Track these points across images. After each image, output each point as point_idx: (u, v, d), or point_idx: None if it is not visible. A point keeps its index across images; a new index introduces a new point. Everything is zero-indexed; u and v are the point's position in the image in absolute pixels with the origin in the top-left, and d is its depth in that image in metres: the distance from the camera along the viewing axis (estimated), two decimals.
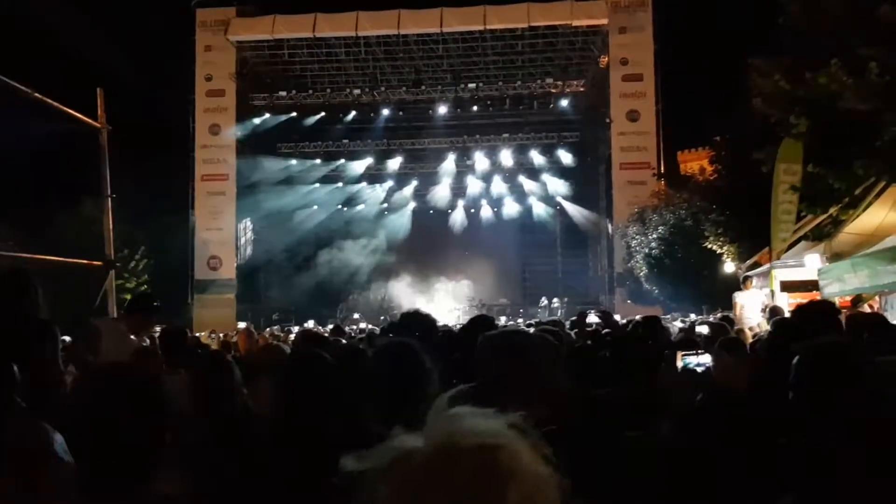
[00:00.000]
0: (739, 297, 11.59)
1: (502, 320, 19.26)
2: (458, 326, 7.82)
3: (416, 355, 2.57)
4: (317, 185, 34.95)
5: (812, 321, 3.40)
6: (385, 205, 37.21)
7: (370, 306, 32.26)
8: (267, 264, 32.54)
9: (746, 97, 14.31)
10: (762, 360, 4.03)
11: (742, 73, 14.45)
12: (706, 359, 3.93)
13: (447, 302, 31.47)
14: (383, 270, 33.76)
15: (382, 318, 25.67)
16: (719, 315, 11.81)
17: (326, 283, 32.85)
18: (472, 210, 37.28)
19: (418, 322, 3.88)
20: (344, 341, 6.28)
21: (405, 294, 31.37)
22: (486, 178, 35.27)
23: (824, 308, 3.79)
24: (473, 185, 35.69)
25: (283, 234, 32.92)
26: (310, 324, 21.68)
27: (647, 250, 23.74)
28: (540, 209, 36.04)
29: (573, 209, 34.49)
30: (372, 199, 36.35)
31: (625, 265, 26.64)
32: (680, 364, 3.86)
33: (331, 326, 13.24)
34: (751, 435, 2.74)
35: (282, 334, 15.38)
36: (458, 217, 37.23)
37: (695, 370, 3.81)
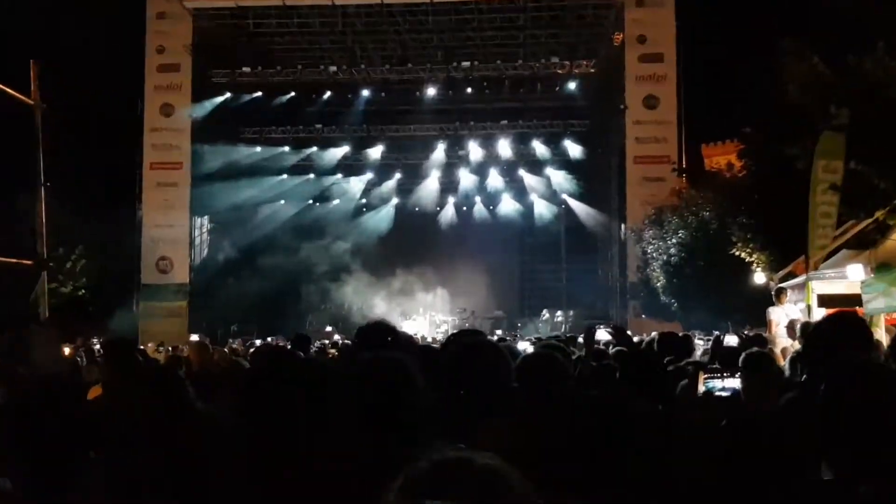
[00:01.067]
0: (773, 313, 11.54)
1: (497, 335, 19.20)
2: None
3: (406, 373, 2.55)
4: (285, 176, 34.75)
5: (838, 336, 3.41)
6: (363, 200, 37.01)
7: (345, 317, 32.29)
8: (226, 268, 32.33)
9: (780, 83, 14.34)
10: (791, 382, 4.04)
11: (775, 55, 14.50)
12: (734, 383, 3.89)
13: (434, 314, 32.13)
14: (361, 276, 33.66)
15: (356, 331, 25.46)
16: (751, 333, 11.87)
17: (295, 290, 32.81)
18: (465, 208, 37.12)
19: (381, 336, 3.84)
20: (313, 353, 6.30)
21: (386, 304, 31.41)
22: (481, 172, 35.03)
23: (850, 320, 3.78)
24: (466, 180, 35.42)
25: (246, 232, 32.73)
26: (275, 339, 21.01)
27: (664, 257, 23.86)
28: (542, 208, 35.90)
29: (580, 208, 34.38)
30: (348, 194, 36.25)
31: (639, 274, 26.71)
32: (702, 388, 3.84)
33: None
34: (778, 470, 2.76)
35: (242, 348, 15.46)
36: (447, 216, 37.04)
37: (719, 395, 3.78)
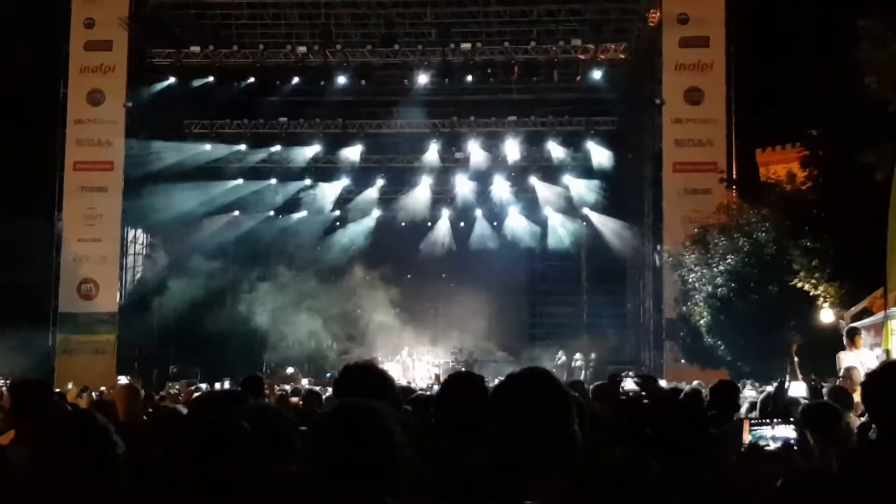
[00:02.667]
0: (844, 359, 11.30)
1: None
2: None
3: (381, 423, 2.60)
4: (240, 181, 34.85)
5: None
6: (337, 213, 36.89)
7: (311, 359, 32.40)
8: (164, 294, 31.77)
9: (855, 75, 14.47)
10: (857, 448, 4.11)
11: (850, 40, 14.62)
12: (786, 431, 3.92)
13: (424, 356, 32.30)
14: (332, 308, 33.46)
15: (329, 374, 25.58)
16: (832, 382, 11.66)
17: (250, 324, 32.57)
18: (462, 224, 36.93)
19: (367, 383, 3.91)
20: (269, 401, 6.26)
21: (364, 343, 31.40)
22: (484, 179, 34.92)
23: None
24: (465, 188, 35.27)
25: (190, 250, 32.57)
26: (224, 383, 20.18)
27: (709, 288, 23.92)
28: (559, 225, 35.77)
29: (606, 226, 34.30)
30: (319, 205, 36.08)
31: (678, 309, 26.83)
32: (748, 438, 3.88)
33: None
34: None
35: (184, 394, 15.56)
36: (441, 233, 36.77)
37: (766, 447, 3.82)
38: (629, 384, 7.97)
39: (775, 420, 3.98)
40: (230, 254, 34.34)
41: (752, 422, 3.95)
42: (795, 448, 3.91)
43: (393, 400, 3.82)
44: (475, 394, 3.91)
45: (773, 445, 3.84)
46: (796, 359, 18.96)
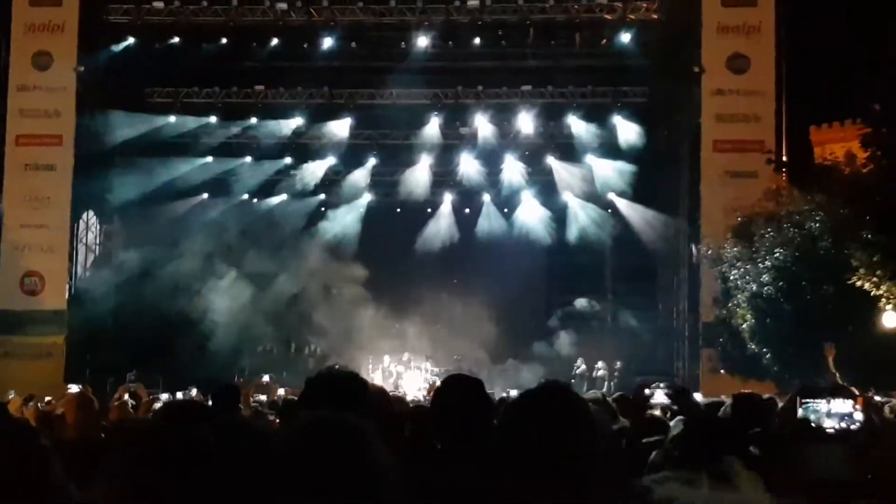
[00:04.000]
0: None
1: (512, 395, 19.42)
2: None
3: (357, 439, 2.66)
4: (209, 159, 34.77)
5: None
6: (322, 196, 36.95)
7: (293, 363, 32.51)
8: (121, 290, 32.10)
9: None
10: None
11: None
12: (843, 406, 4.06)
13: (422, 363, 32.69)
14: (315, 306, 33.68)
15: None
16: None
17: (222, 325, 32.55)
18: (467, 210, 37.10)
19: (342, 390, 3.99)
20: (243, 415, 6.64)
21: (351, 348, 31.40)
22: (493, 159, 35.01)
23: None
24: (470, 169, 35.31)
25: (152, 238, 32.48)
26: (189, 392, 21.65)
27: (754, 287, 24.05)
28: (580, 212, 35.53)
29: (635, 215, 34.18)
30: (300, 187, 36.03)
31: (717, 311, 26.97)
32: (801, 412, 4.03)
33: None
34: None
35: (145, 402, 14.81)
36: (442, 221, 36.88)
37: (823, 425, 3.93)
38: (659, 397, 8.09)
39: (832, 395, 4.10)
40: (198, 244, 33.32)
41: (805, 395, 4.08)
42: (855, 427, 4.04)
43: (372, 412, 3.75)
44: (474, 400, 4.04)
45: (828, 423, 3.95)
46: (833, 368, 19.69)
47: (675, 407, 7.90)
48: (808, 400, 4.08)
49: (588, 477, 2.76)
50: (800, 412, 4.06)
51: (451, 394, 4.26)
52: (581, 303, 35.96)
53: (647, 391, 8.44)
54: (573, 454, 2.77)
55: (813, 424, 4.03)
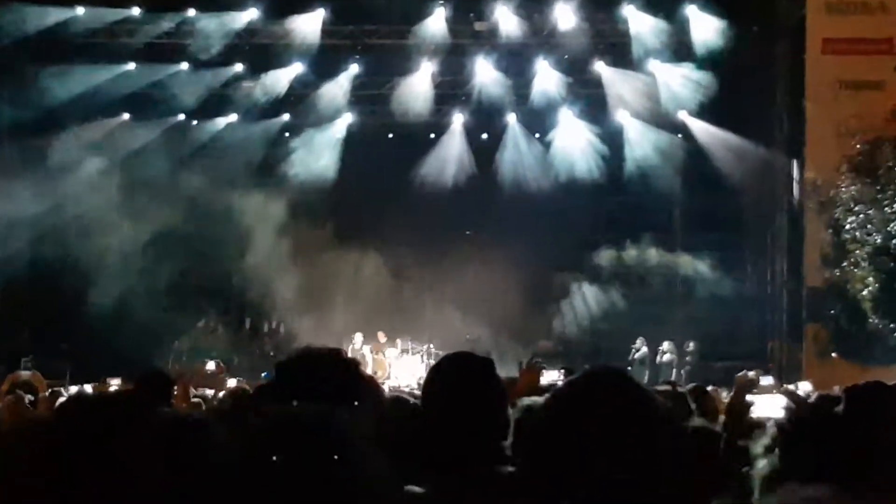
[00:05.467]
0: None
1: (547, 379, 19.93)
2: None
3: (340, 440, 2.72)
4: (131, 66, 34.18)
5: None
6: (287, 117, 36.55)
7: (245, 349, 33.79)
8: (11, 248, 31.63)
9: None
10: None
11: None
12: None
13: (417, 345, 33.34)
14: (275, 272, 33.54)
15: (266, 373, 25.52)
16: None
17: (149, 295, 32.52)
18: (485, 136, 36.48)
19: (327, 377, 4.12)
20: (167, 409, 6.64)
21: (325, 324, 31.86)
22: (518, 64, 34.42)
23: None
24: (488, 79, 34.43)
25: (53, 178, 32.14)
26: (105, 383, 22.17)
27: (878, 239, 25.76)
28: (639, 137, 34.94)
29: (715, 141, 33.59)
30: (256, 104, 35.61)
31: (828, 273, 27.87)
32: None
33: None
34: None
35: (42, 396, 16.10)
36: (450, 150, 36.30)
37: None
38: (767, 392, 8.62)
39: None
40: (117, 183, 33.08)
41: None
42: None
43: (369, 408, 4.01)
44: (477, 388, 4.28)
45: None
46: None
47: (789, 406, 7.85)
48: None
49: (653, 492, 2.89)
50: None
51: (445, 380, 4.47)
52: (638, 260, 36.17)
53: (750, 376, 8.58)
54: (635, 462, 2.91)
55: None
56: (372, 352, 32.41)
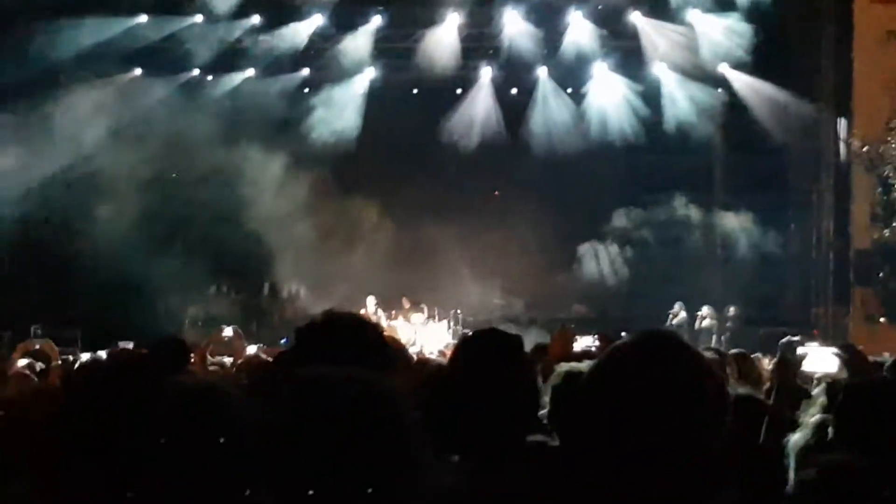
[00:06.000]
0: None
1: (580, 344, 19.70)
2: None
3: (385, 405, 2.80)
4: (143, 19, 33.98)
5: None
6: (306, 71, 36.50)
7: (260, 314, 33.87)
8: (18, 210, 32.06)
9: None
10: None
11: None
12: None
13: (443, 310, 33.57)
14: (296, 232, 33.42)
15: (286, 339, 26.17)
16: None
17: (158, 260, 32.36)
18: (514, 91, 36.38)
19: (345, 343, 4.23)
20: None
21: (344, 290, 31.54)
22: (550, 16, 34.33)
23: None
24: (517, 31, 34.29)
25: (61, 136, 32.16)
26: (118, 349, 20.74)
27: None
28: (677, 91, 35.01)
29: (757, 96, 33.53)
30: (274, 58, 35.99)
31: (877, 234, 28.36)
32: None
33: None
34: None
35: (53, 365, 15.19)
36: (477, 106, 36.22)
37: None
38: (818, 359, 7.87)
39: None
40: (128, 142, 33.20)
41: None
42: None
43: (395, 371, 4.18)
44: (503, 369, 4.25)
45: None
46: None
47: (846, 366, 7.68)
48: None
49: (699, 462, 2.92)
50: None
51: (471, 360, 4.41)
52: (676, 221, 36.54)
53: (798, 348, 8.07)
54: (684, 431, 2.95)
55: None
56: (388, 318, 32.49)
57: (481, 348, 4.43)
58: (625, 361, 2.99)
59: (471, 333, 4.98)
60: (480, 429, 3.99)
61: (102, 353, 20.11)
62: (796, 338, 8.17)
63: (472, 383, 4.19)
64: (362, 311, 30.66)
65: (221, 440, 3.18)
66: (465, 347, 4.60)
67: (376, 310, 32.01)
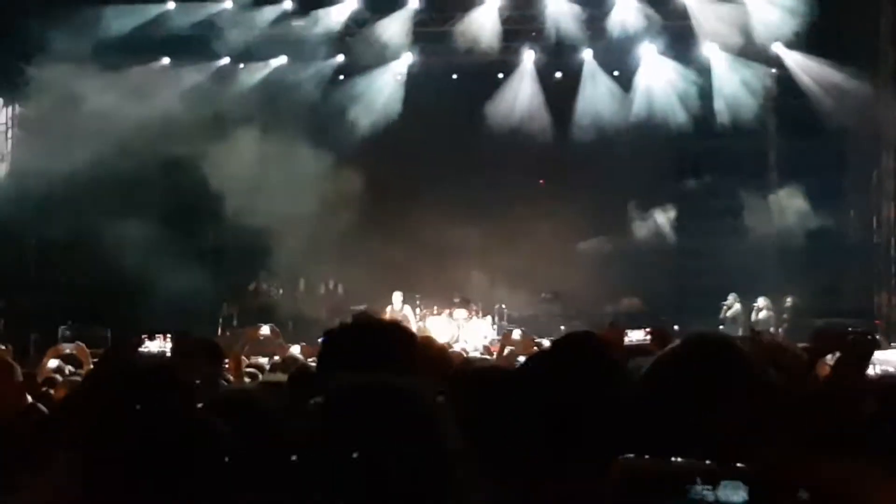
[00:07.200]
0: None
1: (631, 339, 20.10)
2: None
3: (421, 416, 2.85)
4: (171, 5, 34.23)
5: None
6: (340, 58, 36.45)
7: (297, 314, 33.03)
8: (45, 205, 31.68)
9: None
10: None
11: None
12: None
13: (491, 308, 33.79)
14: (332, 227, 33.10)
15: (322, 338, 26.80)
16: None
17: (190, 256, 32.36)
18: (559, 74, 36.11)
19: (375, 348, 4.43)
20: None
21: (384, 286, 31.96)
22: None
23: None
24: (561, 10, 33.91)
25: (88, 128, 31.70)
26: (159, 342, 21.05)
27: None
28: (729, 72, 34.85)
29: (813, 75, 33.43)
30: (308, 44, 35.78)
31: None
32: None
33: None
34: None
35: (88, 367, 15.44)
36: (520, 91, 35.90)
37: None
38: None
39: None
40: (158, 133, 32.77)
41: None
42: None
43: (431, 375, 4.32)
44: (595, 376, 4.15)
45: None
46: None
47: None
48: None
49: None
50: None
51: (560, 366, 4.34)
52: (728, 209, 36.46)
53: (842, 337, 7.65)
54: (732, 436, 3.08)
55: None
56: (422, 316, 32.95)
57: (578, 354, 4.29)
58: (674, 366, 3.05)
59: (562, 337, 4.82)
60: (565, 447, 3.80)
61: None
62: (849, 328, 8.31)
63: (568, 394, 3.98)
64: (388, 308, 32.08)
65: (247, 452, 3.25)
66: (556, 352, 4.42)
67: (402, 307, 32.08)
